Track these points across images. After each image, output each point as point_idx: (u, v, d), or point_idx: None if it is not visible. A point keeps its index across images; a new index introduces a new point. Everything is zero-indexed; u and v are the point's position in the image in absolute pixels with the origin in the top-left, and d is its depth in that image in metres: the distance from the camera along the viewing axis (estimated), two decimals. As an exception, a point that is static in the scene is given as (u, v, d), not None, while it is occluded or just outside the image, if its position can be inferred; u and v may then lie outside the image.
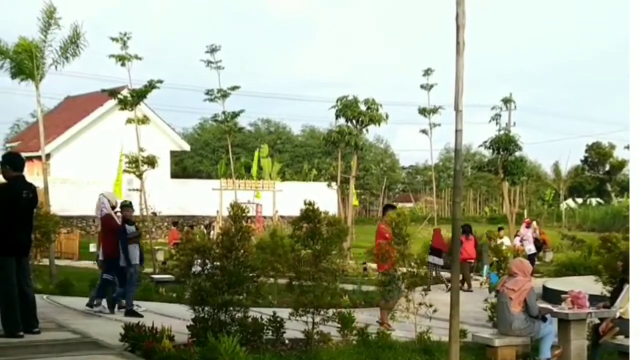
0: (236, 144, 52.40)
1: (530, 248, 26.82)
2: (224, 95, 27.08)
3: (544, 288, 19.08)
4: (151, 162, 23.52)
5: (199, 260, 10.04)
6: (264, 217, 42.56)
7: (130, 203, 14.67)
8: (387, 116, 28.47)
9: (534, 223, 30.07)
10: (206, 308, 9.67)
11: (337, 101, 27.87)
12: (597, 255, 14.92)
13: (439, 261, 22.56)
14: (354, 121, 28.12)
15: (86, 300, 14.37)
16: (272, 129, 76.61)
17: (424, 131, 34.05)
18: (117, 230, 14.05)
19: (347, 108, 27.58)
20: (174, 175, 51.45)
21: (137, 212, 25.58)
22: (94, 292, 14.40)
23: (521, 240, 26.86)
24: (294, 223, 10.55)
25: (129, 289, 13.86)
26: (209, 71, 26.88)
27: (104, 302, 14.08)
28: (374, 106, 28.02)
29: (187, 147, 51.41)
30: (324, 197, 26.83)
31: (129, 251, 13.84)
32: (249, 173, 53.37)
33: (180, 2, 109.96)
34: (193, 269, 10.32)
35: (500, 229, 27.82)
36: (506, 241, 25.79)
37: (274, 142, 70.64)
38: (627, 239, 14.94)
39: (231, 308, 9.70)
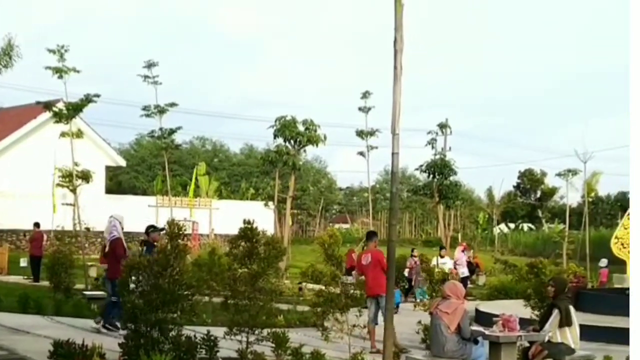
0: (173, 161, 51.96)
1: (464, 271, 27.21)
2: (161, 111, 26.87)
3: (477, 311, 19.33)
4: (85, 176, 23.19)
5: (133, 278, 9.94)
6: (201, 235, 42.25)
7: (158, 227, 14.52)
8: (325, 137, 28.62)
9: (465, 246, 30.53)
10: (139, 326, 9.56)
11: (275, 121, 27.92)
12: (525, 281, 15.21)
13: (352, 279, 22.76)
14: (292, 141, 28.19)
15: (12, 315, 14.06)
16: (210, 146, 76.26)
17: (361, 153, 34.36)
18: (122, 257, 13.75)
19: (285, 128, 27.64)
20: (109, 190, 50.68)
21: (70, 227, 25.29)
22: (102, 311, 14.26)
23: (455, 264, 27.24)
24: (232, 241, 10.53)
25: None
26: (149, 87, 26.67)
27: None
28: (312, 127, 28.15)
29: (122, 163, 50.76)
30: (261, 216, 26.69)
31: None
32: (185, 190, 52.96)
33: (124, 18, 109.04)
34: (127, 286, 10.20)
35: (442, 248, 28.15)
36: (448, 262, 26.12)
37: (211, 159, 70.26)
38: (556, 264, 15.34)
39: (165, 326, 9.61)
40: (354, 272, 22.53)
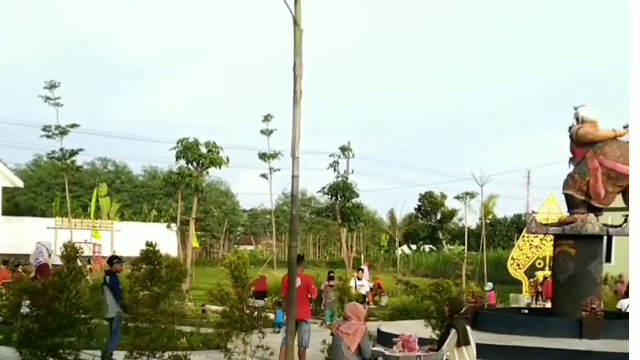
0: (73, 182, 50.84)
1: (368, 290, 27.44)
2: (63, 132, 26.40)
3: (379, 331, 19.54)
4: (-20, 198, 22.53)
5: (28, 302, 9.71)
6: (103, 258, 41.45)
7: (121, 259, 14.21)
8: (228, 160, 28.56)
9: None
10: (34, 351, 9.34)
11: (178, 143, 27.71)
12: (429, 300, 15.51)
13: (262, 303, 22.84)
14: (194, 163, 28.01)
15: None
16: (112, 168, 75.01)
17: (264, 175, 34.55)
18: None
19: (187, 150, 27.45)
20: (6, 212, 49.23)
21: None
22: None
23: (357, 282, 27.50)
24: (134, 264, 10.42)
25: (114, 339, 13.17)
26: (47, 108, 26.20)
27: None
28: (215, 149, 28.05)
29: (20, 184, 49.36)
30: (164, 238, 26.41)
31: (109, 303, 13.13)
32: (86, 212, 51.91)
33: (21, 36, 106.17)
34: (22, 310, 9.97)
35: (359, 270, 28.33)
36: (366, 285, 26.32)
37: (113, 181, 69.08)
38: (456, 284, 15.71)
39: (61, 351, 9.42)
40: (267, 298, 22.61)
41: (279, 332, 18.06)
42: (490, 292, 28.87)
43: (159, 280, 9.99)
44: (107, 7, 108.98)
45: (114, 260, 14.47)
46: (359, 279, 26.32)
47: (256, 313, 12.06)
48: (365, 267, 29.44)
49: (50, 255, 14.24)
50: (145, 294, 10.13)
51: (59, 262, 14.01)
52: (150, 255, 9.98)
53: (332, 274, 25.82)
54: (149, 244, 10.03)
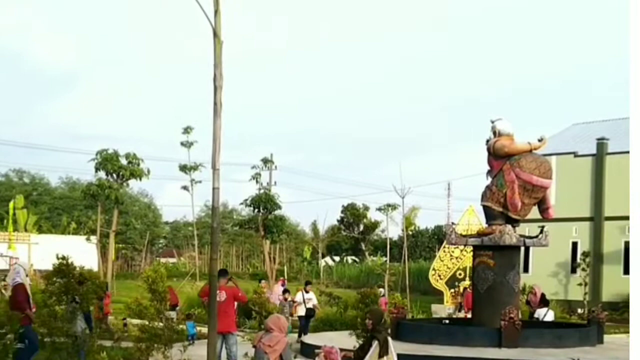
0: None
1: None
2: (-23, 142, 25.74)
3: (301, 343, 19.56)
4: None
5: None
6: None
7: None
8: (148, 171, 28.28)
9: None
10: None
11: (96, 154, 27.29)
12: (354, 310, 15.64)
13: (174, 315, 22.69)
14: (114, 175, 27.61)
15: None
16: (27, 179, 73.22)
17: (185, 187, 34.27)
18: (23, 302, 12.94)
19: (107, 161, 27.08)
20: None
21: None
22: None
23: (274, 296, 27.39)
24: (47, 278, 10.21)
25: None
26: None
27: None
28: (136, 161, 27.74)
29: None
30: (84, 251, 25.96)
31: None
32: (2, 224, 50.56)
33: None
34: None
35: (307, 283, 28.21)
36: (314, 298, 26.21)
37: (29, 193, 67.44)
38: (382, 295, 15.91)
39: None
40: (177, 309, 22.36)
41: (192, 344, 17.97)
42: (382, 297, 28.91)
43: (75, 293, 9.79)
44: (27, 15, 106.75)
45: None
46: (307, 292, 26.23)
47: (173, 326, 11.96)
48: (278, 284, 29.30)
49: (27, 275, 14.00)
50: (62, 307, 9.92)
51: (29, 281, 13.84)
52: (63, 268, 9.76)
53: (309, 285, 25.66)
54: (60, 257, 9.82)
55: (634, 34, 7.93)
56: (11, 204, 50.36)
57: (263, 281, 27.17)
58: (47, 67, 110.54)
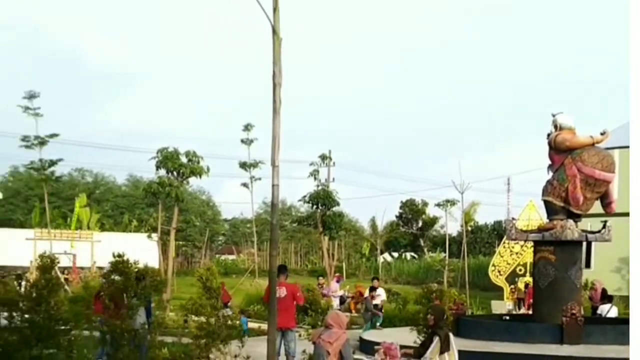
0: (51, 193, 50.57)
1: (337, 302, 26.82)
2: (42, 142, 26.28)
3: (360, 339, 19.54)
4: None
5: (5, 313, 9.63)
6: (82, 269, 41.13)
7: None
8: (208, 169, 28.45)
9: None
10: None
11: (157, 152, 27.59)
12: (417, 305, 15.59)
13: (230, 312, 22.86)
14: (174, 173, 27.88)
15: None
16: (90, 178, 74.55)
17: (245, 185, 34.52)
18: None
19: (167, 160, 27.31)
20: (-16, 224, 48.91)
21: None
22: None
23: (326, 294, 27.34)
24: (105, 276, 10.36)
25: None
26: (24, 118, 26.06)
27: None
28: (195, 159, 27.93)
29: (-1, 195, 49.11)
30: (145, 248, 26.34)
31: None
32: (66, 222, 51.56)
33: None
34: (-1, 323, 9.89)
35: (374, 279, 28.19)
36: (382, 294, 26.22)
37: (92, 191, 68.67)
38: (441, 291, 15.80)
39: (41, 363, 9.35)
40: (229, 305, 22.55)
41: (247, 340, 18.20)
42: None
43: (132, 290, 9.93)
44: (85, 17, 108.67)
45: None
46: (375, 288, 26.23)
47: (230, 322, 12.06)
48: (334, 281, 29.24)
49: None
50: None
51: None
52: (120, 265, 9.90)
53: (375, 280, 25.65)
54: (116, 255, 9.96)
55: (634, 35, 7.79)
56: (76, 203, 51.34)
57: (321, 278, 27.20)
58: (108, 67, 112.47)
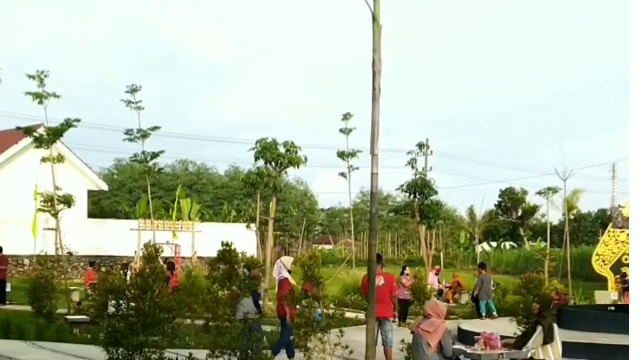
0: (153, 184, 51.93)
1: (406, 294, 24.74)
2: (144, 135, 26.94)
3: (459, 329, 19.36)
4: (67, 201, 23.13)
5: (114, 302, 9.93)
6: (183, 258, 42.03)
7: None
8: (306, 159, 28.60)
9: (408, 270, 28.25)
10: (121, 350, 9.53)
11: (256, 143, 27.89)
12: (516, 295, 15.30)
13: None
14: (273, 163, 28.14)
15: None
16: (193, 169, 76.04)
17: (342, 174, 34.55)
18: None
19: (266, 150, 27.59)
20: (92, 215, 50.44)
21: (52, 252, 25.20)
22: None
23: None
24: (211, 264, 10.55)
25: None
26: (128, 112, 26.74)
27: None
28: (293, 149, 28.12)
29: (105, 187, 50.54)
30: (244, 238, 26.64)
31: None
32: (169, 213, 52.74)
33: (102, 43, 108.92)
34: (108, 310, 10.19)
35: (481, 265, 27.97)
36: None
37: (194, 183, 70.05)
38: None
39: (147, 350, 9.59)
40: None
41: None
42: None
43: (237, 279, 10.09)
44: (185, 11, 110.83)
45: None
46: (481, 274, 25.98)
47: (331, 312, 12.08)
48: (432, 274, 28.84)
49: (290, 271, 15.12)
50: (225, 293, 10.24)
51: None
52: (227, 255, 10.07)
53: (406, 269, 25.51)
54: (224, 244, 10.14)
55: (634, 35, 7.46)
56: (177, 194, 52.50)
57: (407, 268, 26.65)
58: (208, 61, 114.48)
